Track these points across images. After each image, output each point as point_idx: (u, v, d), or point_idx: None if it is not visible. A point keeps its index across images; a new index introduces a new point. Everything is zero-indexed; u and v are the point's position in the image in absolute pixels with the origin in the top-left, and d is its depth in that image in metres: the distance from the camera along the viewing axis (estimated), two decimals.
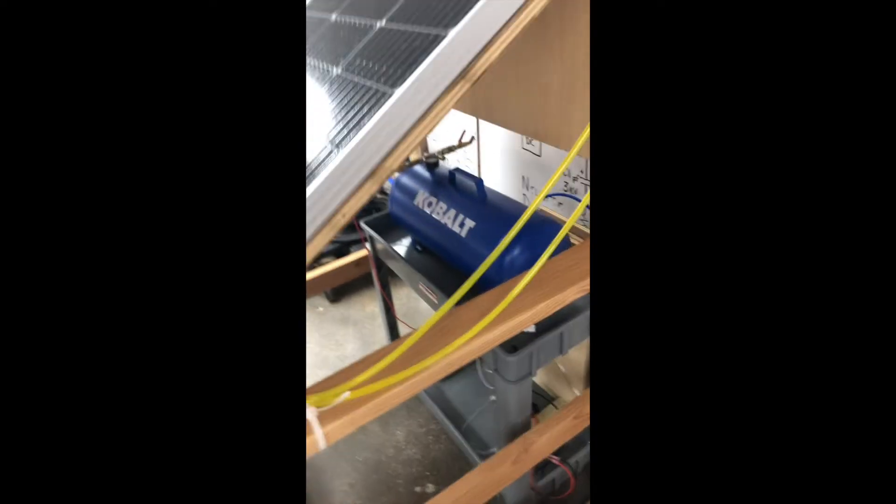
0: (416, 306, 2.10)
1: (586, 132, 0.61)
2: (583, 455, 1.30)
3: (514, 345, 0.95)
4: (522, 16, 0.45)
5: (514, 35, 0.45)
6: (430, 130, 0.44)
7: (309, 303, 2.24)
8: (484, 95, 1.14)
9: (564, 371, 1.37)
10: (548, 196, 1.53)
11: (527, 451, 0.94)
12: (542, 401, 1.49)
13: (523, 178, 1.62)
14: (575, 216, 0.64)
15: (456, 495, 0.88)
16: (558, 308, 0.70)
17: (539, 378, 1.54)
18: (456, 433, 1.38)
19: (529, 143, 1.52)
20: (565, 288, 0.70)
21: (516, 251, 0.99)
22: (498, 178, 1.75)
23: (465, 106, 1.24)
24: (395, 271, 1.39)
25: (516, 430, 1.04)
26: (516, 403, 1.00)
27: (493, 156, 1.72)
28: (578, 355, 1.31)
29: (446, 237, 1.11)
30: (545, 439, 0.96)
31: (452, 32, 0.43)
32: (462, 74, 0.44)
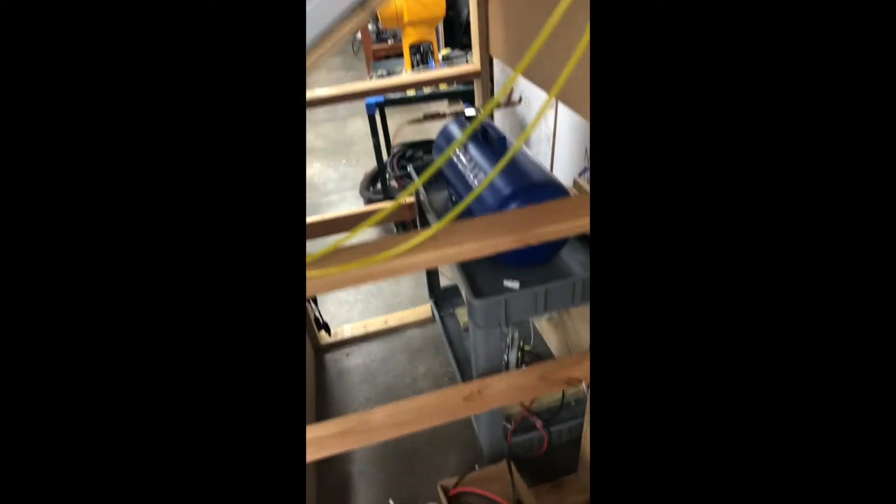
0: None
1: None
2: (569, 427, 1.31)
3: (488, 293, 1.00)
4: None
5: None
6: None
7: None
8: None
9: (569, 348, 1.37)
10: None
11: (481, 392, 1.01)
12: None
13: (586, 149, 1.58)
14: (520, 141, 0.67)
15: (404, 409, 0.99)
16: (489, 252, 0.74)
17: (556, 352, 1.55)
18: (459, 378, 1.47)
19: None
20: (501, 235, 0.73)
21: (514, 205, 1.02)
22: (565, 148, 1.72)
23: (514, 63, 1.26)
24: (429, 220, 1.49)
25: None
26: (483, 350, 1.06)
27: (565, 125, 1.69)
28: (586, 332, 1.30)
29: (465, 187, 1.17)
30: (501, 387, 1.01)
31: None
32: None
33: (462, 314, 1.72)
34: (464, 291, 1.04)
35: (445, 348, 1.78)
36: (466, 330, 1.70)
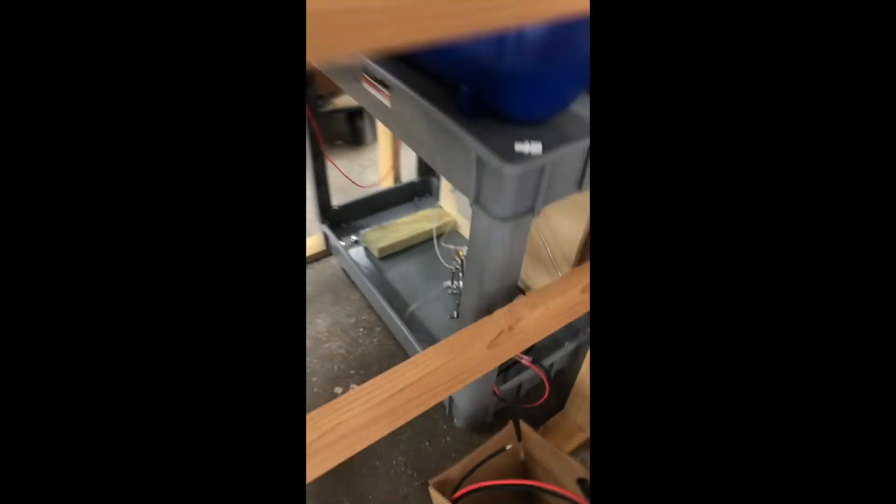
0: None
1: None
2: (559, 358, 1.00)
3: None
4: None
5: None
6: None
7: None
8: None
9: (550, 253, 1.04)
10: None
11: (512, 329, 0.60)
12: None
13: None
14: None
15: (393, 387, 0.53)
16: None
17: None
18: (397, 320, 1.03)
19: None
20: None
21: None
22: None
23: None
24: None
25: (495, 305, 0.69)
26: (503, 259, 0.63)
27: None
28: (573, 230, 0.97)
29: None
30: (538, 316, 0.62)
31: None
32: None
33: (374, 238, 1.24)
34: (474, 162, 0.59)
35: (359, 288, 1.29)
36: (383, 258, 1.24)
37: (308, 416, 0.49)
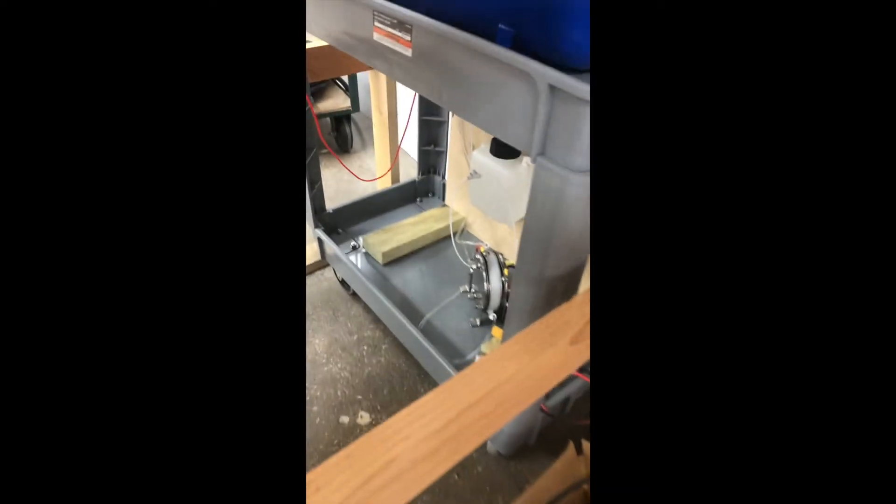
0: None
1: None
2: None
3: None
4: None
5: None
6: None
7: None
8: None
9: None
10: None
11: None
12: None
13: None
14: None
15: (471, 396, 0.38)
16: None
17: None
18: (413, 331, 0.87)
19: None
20: None
21: None
22: None
23: None
24: None
25: (554, 297, 0.55)
26: (577, 227, 0.50)
27: None
28: None
29: None
30: None
31: None
32: None
33: (376, 242, 1.09)
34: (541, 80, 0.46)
35: (362, 300, 1.13)
36: (387, 264, 1.09)
37: (348, 452, 0.33)
